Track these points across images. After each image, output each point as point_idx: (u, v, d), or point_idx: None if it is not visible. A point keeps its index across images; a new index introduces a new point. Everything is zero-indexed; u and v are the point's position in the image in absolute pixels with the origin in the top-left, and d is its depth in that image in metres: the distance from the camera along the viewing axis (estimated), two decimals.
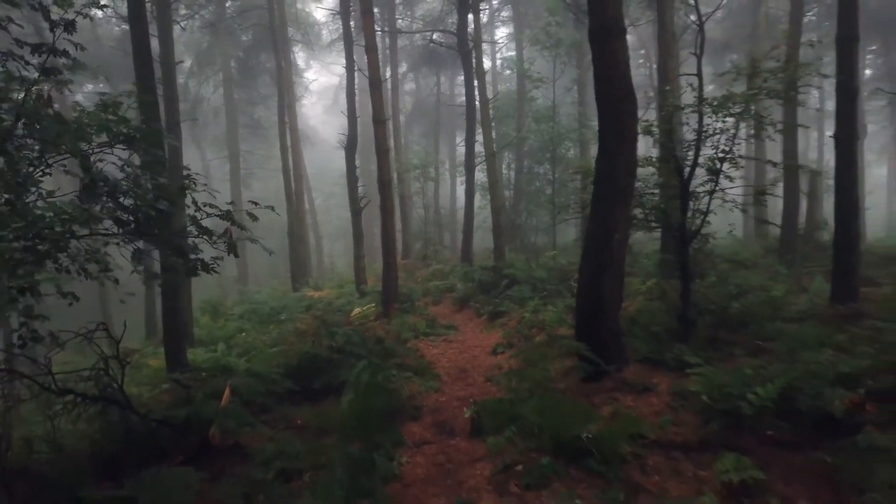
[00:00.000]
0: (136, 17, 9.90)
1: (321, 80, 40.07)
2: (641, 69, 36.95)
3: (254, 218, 6.22)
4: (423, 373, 8.82)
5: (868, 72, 37.85)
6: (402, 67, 31.55)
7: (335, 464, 4.40)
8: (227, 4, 24.36)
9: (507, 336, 11.23)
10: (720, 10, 30.42)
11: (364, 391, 5.45)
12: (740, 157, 8.04)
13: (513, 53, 32.42)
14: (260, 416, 7.31)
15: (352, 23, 19.82)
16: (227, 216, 5.94)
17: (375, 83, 14.23)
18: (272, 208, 6.48)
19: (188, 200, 6.27)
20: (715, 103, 7.67)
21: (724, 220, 9.60)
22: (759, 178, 24.42)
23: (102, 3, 6.17)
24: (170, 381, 8.76)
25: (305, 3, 29.68)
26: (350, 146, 18.87)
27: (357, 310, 14.99)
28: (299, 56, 33.32)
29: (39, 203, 4.89)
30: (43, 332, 4.71)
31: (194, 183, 5.91)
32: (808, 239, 18.04)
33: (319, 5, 26.35)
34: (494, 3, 31.85)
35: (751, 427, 4.63)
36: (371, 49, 14.14)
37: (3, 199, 4.45)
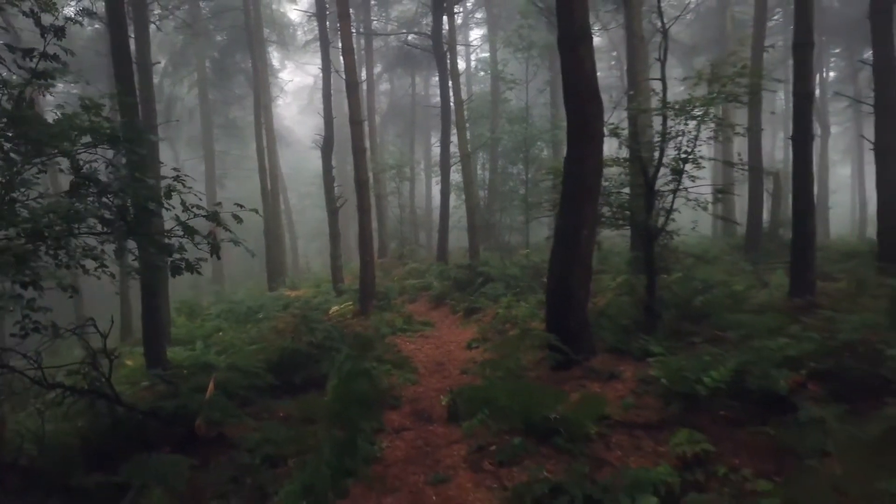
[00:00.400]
0: (114, 18, 10.01)
1: (296, 80, 40.01)
2: (614, 70, 37.71)
3: (238, 220, 6.45)
4: (402, 366, 9.11)
5: (832, 73, 39.03)
6: (378, 68, 31.73)
7: (322, 445, 4.68)
8: (201, 4, 24.32)
9: (482, 331, 11.55)
10: (689, 13, 31.37)
11: (347, 377, 5.73)
12: (701, 157, 8.50)
13: (487, 55, 32.88)
14: (243, 409, 7.51)
15: (327, 24, 20.01)
16: (213, 217, 6.16)
17: (352, 85, 14.47)
18: (256, 211, 6.72)
19: (176, 201, 6.49)
20: (677, 107, 8.11)
21: (692, 217, 10.06)
22: (727, 179, 25.25)
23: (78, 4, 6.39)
24: (150, 378, 8.91)
25: (280, 4, 29.69)
26: (326, 147, 19.07)
27: (335, 308, 15.22)
28: (274, 56, 33.29)
29: (38, 201, 5.09)
30: (45, 323, 4.94)
31: (183, 184, 6.12)
32: (772, 236, 18.74)
33: (296, 7, 26.46)
34: (469, 5, 32.23)
35: (706, 407, 5.02)
36: (348, 52, 14.38)
37: (7, 198, 4.64)
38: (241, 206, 6.53)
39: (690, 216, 9.86)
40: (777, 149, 40.67)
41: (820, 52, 33.89)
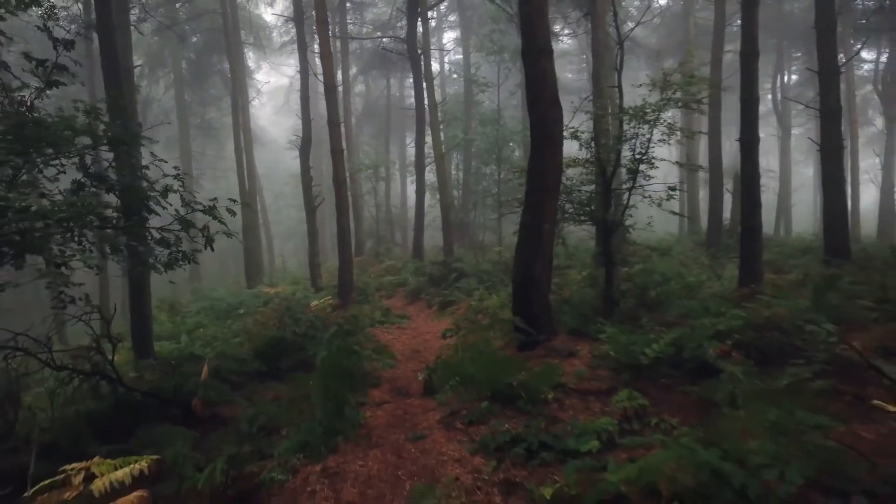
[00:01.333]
0: (104, 24, 10.49)
1: (270, 81, 40.31)
2: (584, 73, 38.78)
3: (232, 213, 7.07)
4: (381, 352, 9.78)
5: (794, 77, 40.49)
6: (353, 70, 32.27)
7: (313, 412, 5.35)
8: (176, 6, 24.60)
9: (456, 322, 12.24)
10: (655, 18, 32.58)
11: (335, 352, 6.40)
12: (654, 158, 9.33)
13: (460, 56, 33.65)
14: (234, 392, 8.12)
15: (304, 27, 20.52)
16: (209, 211, 6.77)
17: (330, 88, 15.08)
18: (249, 204, 7.33)
19: (170, 198, 7.08)
20: (631, 111, 8.93)
21: (651, 214, 10.88)
22: (691, 179, 26.46)
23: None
24: (142, 367, 9.43)
25: (255, 6, 30.04)
26: (304, 147, 19.61)
27: (315, 302, 15.79)
28: (249, 57, 33.61)
29: (49, 198, 5.66)
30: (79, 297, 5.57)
31: (182, 182, 6.71)
32: (731, 233, 19.82)
33: (274, 12, 26.91)
34: (442, 8, 32.95)
35: (648, 375, 5.81)
36: (326, 56, 14.99)
37: (38, 193, 5.23)
38: (234, 201, 7.16)
39: (656, 213, 10.68)
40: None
41: (782, 57, 35.39)
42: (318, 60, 25.08)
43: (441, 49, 36.92)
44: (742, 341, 5.91)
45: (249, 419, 6.39)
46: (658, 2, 36.28)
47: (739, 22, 32.51)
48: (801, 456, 3.36)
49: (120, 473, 3.42)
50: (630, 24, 29.47)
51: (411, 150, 37.42)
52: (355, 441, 5.25)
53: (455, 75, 32.27)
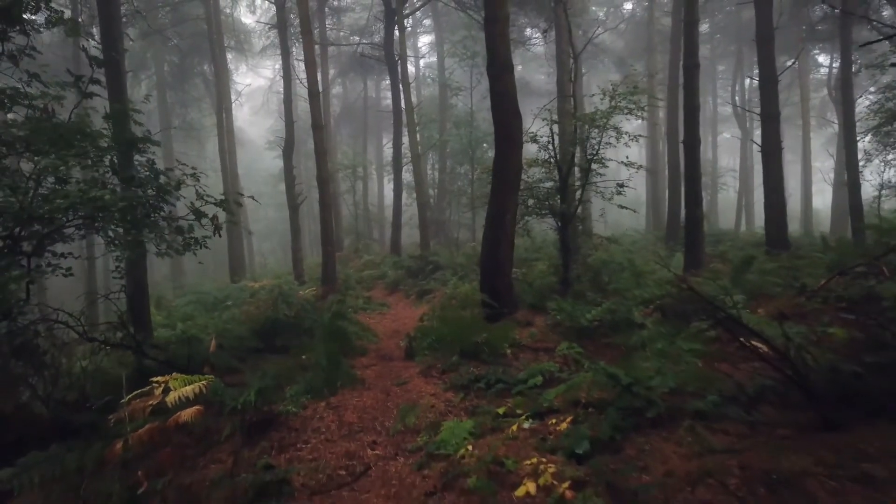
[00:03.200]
0: (107, 33, 11.48)
1: (251, 83, 41.12)
2: (553, 77, 40.31)
3: (238, 205, 8.27)
4: (365, 332, 11.00)
5: (755, 81, 42.52)
6: (331, 72, 33.32)
7: (316, 365, 6.61)
8: (161, 14, 25.47)
9: (433, 308, 13.49)
10: (622, 24, 34.25)
11: (335, 315, 7.66)
12: (603, 158, 10.74)
13: (435, 59, 34.98)
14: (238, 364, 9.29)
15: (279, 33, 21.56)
16: (222, 203, 7.97)
17: (314, 94, 16.25)
18: (237, 202, 8.55)
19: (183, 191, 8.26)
20: (582, 118, 10.32)
21: (617, 211, 12.27)
22: (660, 179, 28.20)
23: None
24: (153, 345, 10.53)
25: (236, 9, 30.94)
26: (287, 149, 20.67)
27: (300, 293, 16.93)
28: (228, 60, 34.46)
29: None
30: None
31: (197, 178, 7.89)
32: None
33: (258, 20, 27.88)
34: (417, 14, 34.18)
35: (588, 335, 7.19)
36: (310, 64, 16.16)
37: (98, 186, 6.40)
38: (241, 195, 8.38)
39: (626, 212, 12.01)
40: (707, 151, 44.15)
41: (742, 62, 37.38)
42: (296, 63, 26.26)
43: (416, 54, 38.16)
44: (663, 306, 7.32)
45: (259, 378, 7.59)
46: (624, 8, 38.10)
47: (703, 27, 34.05)
48: (676, 370, 4.74)
49: (187, 389, 4.62)
50: (598, 30, 31.24)
51: (388, 150, 38.69)
52: (351, 387, 6.53)
53: (430, 79, 33.52)
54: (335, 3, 28.94)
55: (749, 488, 3.26)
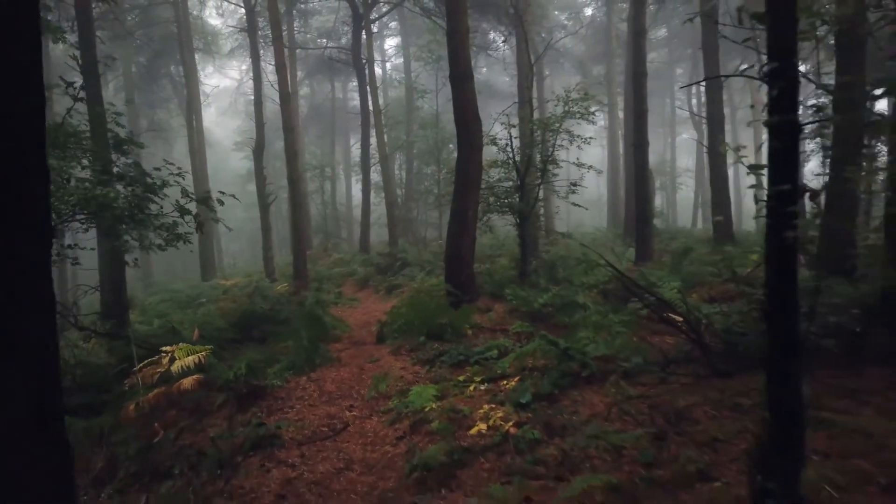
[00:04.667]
0: (84, 37, 11.92)
1: (219, 85, 41.25)
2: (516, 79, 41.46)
3: (221, 203, 8.93)
4: (338, 322, 11.73)
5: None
6: (299, 74, 33.76)
7: (296, 346, 7.35)
8: (130, 17, 25.65)
9: (401, 301, 14.28)
10: (582, 28, 35.45)
11: (315, 302, 8.40)
12: (556, 160, 11.68)
13: (401, 61, 35.69)
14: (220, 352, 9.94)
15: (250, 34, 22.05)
16: (202, 201, 8.63)
17: (285, 97, 16.87)
18: (235, 196, 9.23)
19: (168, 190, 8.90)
20: (537, 122, 11.22)
21: (597, 213, 13.23)
22: (619, 178, 29.46)
23: None
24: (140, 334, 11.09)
25: (203, 11, 31.16)
26: (258, 150, 21.17)
27: (276, 288, 17.52)
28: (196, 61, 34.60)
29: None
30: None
31: (182, 177, 8.54)
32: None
33: (228, 24, 28.21)
34: (384, 17, 34.85)
35: (539, 317, 8.08)
36: (280, 67, 16.78)
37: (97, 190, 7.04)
38: (223, 193, 9.05)
39: (589, 212, 12.98)
40: (667, 152, 45.86)
41: (697, 67, 39.00)
42: (265, 65, 26.67)
43: (383, 57, 38.81)
44: (605, 290, 8.26)
45: (239, 361, 8.28)
46: (585, 13, 39.32)
47: (659, 32, 35.40)
48: (607, 339, 5.65)
49: (189, 359, 5.32)
50: (559, 36, 32.37)
51: (355, 151, 39.23)
52: (329, 364, 7.31)
53: (397, 82, 34.20)
54: (302, 6, 29.42)
55: (652, 418, 4.16)
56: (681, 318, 5.51)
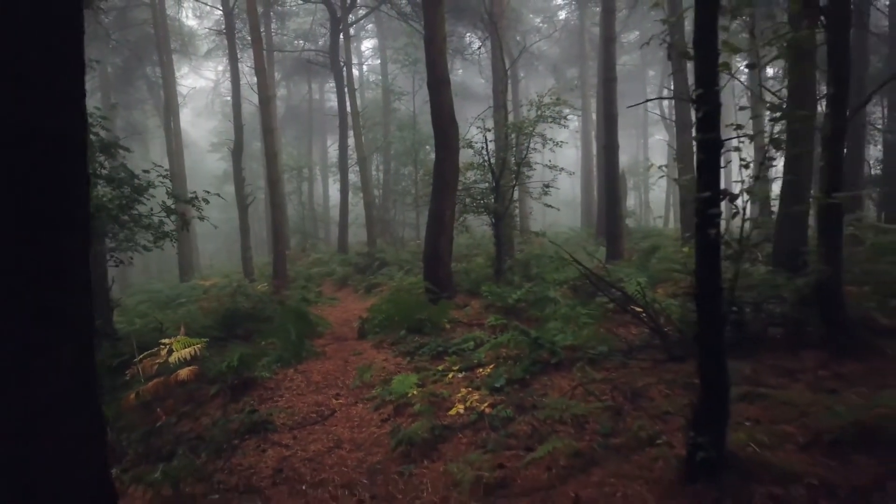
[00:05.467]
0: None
1: (196, 86, 41.12)
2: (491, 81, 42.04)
3: (206, 202, 9.26)
4: (320, 320, 12.09)
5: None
6: (276, 76, 33.87)
7: (286, 331, 7.72)
8: (104, 18, 25.59)
9: (381, 300, 14.66)
10: (556, 32, 36.11)
11: (301, 299, 8.76)
12: (529, 162, 12.18)
13: (378, 61, 36.01)
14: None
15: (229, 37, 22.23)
16: (189, 202, 8.95)
17: (265, 100, 17.16)
18: (219, 195, 9.54)
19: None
20: (511, 126, 11.71)
21: (572, 213, 13.75)
22: (593, 178, 30.13)
23: None
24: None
25: (179, 12, 31.15)
26: (237, 151, 21.34)
27: (258, 287, 17.76)
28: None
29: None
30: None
31: (169, 179, 8.85)
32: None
33: (205, 26, 28.24)
34: (361, 21, 35.13)
35: (514, 312, 8.55)
36: (260, 71, 17.05)
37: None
38: (209, 192, 9.36)
39: (562, 212, 13.47)
40: (641, 154, 46.79)
41: (668, 70, 40.02)
42: (241, 66, 26.80)
43: (360, 59, 39.05)
44: (575, 286, 8.77)
45: (227, 357, 8.61)
46: (559, 16, 40.02)
47: (631, 36, 36.20)
48: (575, 330, 6.13)
49: (185, 351, 5.66)
50: (533, 39, 33.00)
51: (332, 151, 39.44)
52: (315, 357, 7.70)
53: (375, 85, 34.47)
54: (280, 8, 29.58)
55: (612, 397, 4.65)
56: (641, 310, 6.02)
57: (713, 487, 2.85)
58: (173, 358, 5.52)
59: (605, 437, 3.93)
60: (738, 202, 3.10)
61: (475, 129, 12.26)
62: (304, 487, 3.98)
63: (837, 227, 4.87)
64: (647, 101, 4.87)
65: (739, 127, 3.32)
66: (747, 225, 3.56)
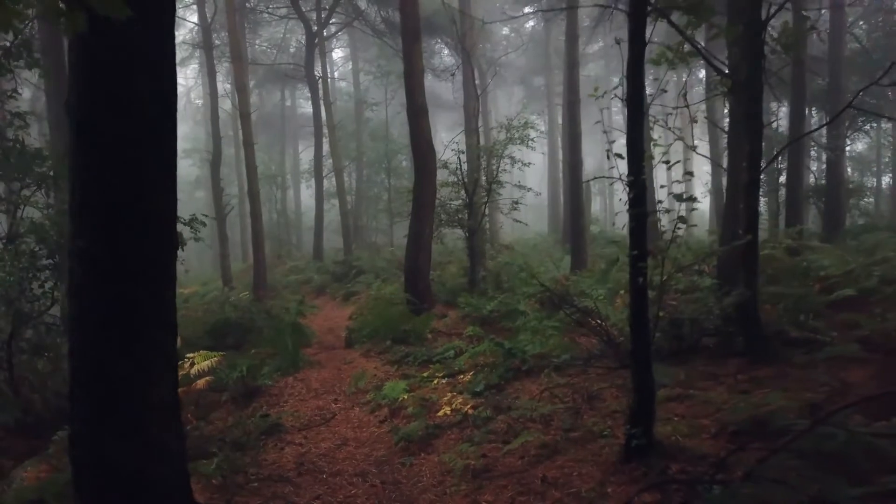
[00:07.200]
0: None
1: None
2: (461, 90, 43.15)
3: (203, 224, 10.02)
4: (309, 330, 12.90)
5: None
6: (250, 83, 34.27)
7: (284, 342, 8.57)
8: None
9: (360, 308, 15.49)
10: (523, 46, 37.27)
11: (296, 313, 9.61)
12: (498, 181, 13.21)
13: (350, 66, 36.69)
14: None
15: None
16: (190, 223, 9.69)
17: (245, 115, 17.83)
18: (206, 217, 10.30)
19: None
20: (482, 149, 12.72)
21: (541, 221, 14.77)
22: (554, 189, 31.29)
23: None
24: None
25: None
26: (215, 162, 21.88)
27: (232, 298, 18.40)
28: None
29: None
30: None
31: None
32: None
33: (185, 42, 28.57)
34: (332, 28, 35.78)
35: (488, 322, 9.54)
36: (241, 89, 17.76)
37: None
38: (206, 216, 10.12)
39: (532, 219, 14.53)
40: (604, 159, 48.11)
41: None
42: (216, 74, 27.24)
43: (332, 67, 39.64)
44: (542, 298, 9.80)
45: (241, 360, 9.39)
46: (526, 26, 41.24)
47: (595, 46, 37.30)
48: (542, 340, 7.15)
49: (205, 363, 6.47)
50: (501, 48, 34.14)
51: (304, 157, 39.96)
52: (311, 367, 8.57)
53: (347, 96, 35.08)
54: (253, 17, 30.10)
55: (573, 398, 5.67)
56: (597, 322, 7.06)
57: (643, 465, 3.87)
58: (194, 370, 6.34)
59: (567, 432, 4.93)
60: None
61: (450, 152, 13.24)
62: (324, 476, 4.90)
63: (754, 258, 5.95)
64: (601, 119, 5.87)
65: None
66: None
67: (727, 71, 6.99)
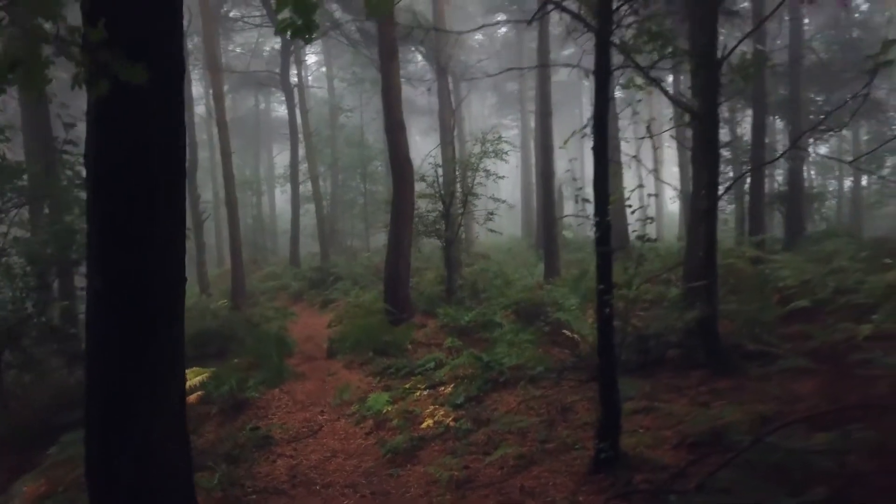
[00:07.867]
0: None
1: None
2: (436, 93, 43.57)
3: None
4: (287, 339, 13.14)
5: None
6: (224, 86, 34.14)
7: (269, 355, 8.84)
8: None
9: (338, 316, 15.74)
10: (497, 54, 37.75)
11: (280, 327, 9.87)
12: (474, 193, 13.61)
13: (325, 69, 36.78)
14: None
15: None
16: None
17: (222, 124, 17.93)
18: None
19: None
20: (458, 162, 13.10)
21: (513, 225, 15.17)
22: (527, 196, 31.77)
23: None
24: None
25: None
26: (191, 170, 21.94)
27: (212, 306, 18.50)
28: None
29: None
30: None
31: None
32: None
33: None
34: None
35: (466, 332, 9.92)
36: (219, 98, 17.86)
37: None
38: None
39: (505, 223, 14.92)
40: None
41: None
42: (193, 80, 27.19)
43: (307, 73, 39.67)
44: (517, 309, 10.22)
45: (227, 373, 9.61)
46: (499, 32, 41.79)
47: (563, 52, 38.10)
48: (518, 352, 7.56)
49: (197, 379, 6.73)
50: (475, 55, 34.55)
51: (278, 160, 39.95)
52: (294, 378, 8.86)
53: (323, 101, 35.15)
54: (226, 24, 30.07)
55: (547, 411, 6.08)
56: (569, 335, 7.51)
57: (610, 476, 4.29)
58: (187, 386, 6.58)
59: (542, 443, 5.34)
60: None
61: (427, 165, 13.60)
62: (317, 488, 5.23)
63: (714, 278, 6.44)
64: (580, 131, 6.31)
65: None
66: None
67: (692, 96, 7.52)
